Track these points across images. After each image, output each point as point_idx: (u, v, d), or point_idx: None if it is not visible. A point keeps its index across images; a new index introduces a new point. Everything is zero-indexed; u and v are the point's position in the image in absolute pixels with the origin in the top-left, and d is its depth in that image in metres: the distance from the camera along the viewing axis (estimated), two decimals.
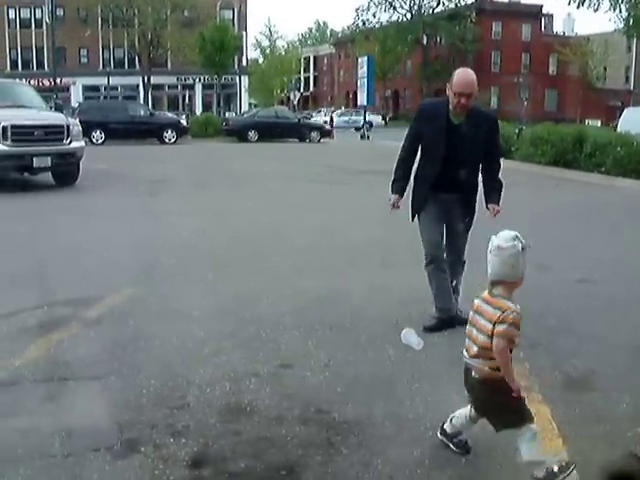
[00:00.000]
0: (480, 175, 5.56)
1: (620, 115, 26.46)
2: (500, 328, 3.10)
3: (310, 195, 14.29)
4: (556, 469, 3.14)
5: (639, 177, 17.52)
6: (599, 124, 36.28)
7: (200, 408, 4.00)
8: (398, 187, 5.56)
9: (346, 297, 6.44)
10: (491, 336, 3.12)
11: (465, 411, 3.52)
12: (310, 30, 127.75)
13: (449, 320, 5.46)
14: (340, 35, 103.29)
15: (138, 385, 4.29)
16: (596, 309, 6.08)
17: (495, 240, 3.19)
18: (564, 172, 19.42)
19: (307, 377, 4.54)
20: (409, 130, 5.63)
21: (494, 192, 5.46)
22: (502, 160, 5.79)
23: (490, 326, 3.13)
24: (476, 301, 3.29)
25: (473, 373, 3.26)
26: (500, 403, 3.21)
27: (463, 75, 5.19)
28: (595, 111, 60.08)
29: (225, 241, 9.14)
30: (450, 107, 5.25)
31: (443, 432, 3.59)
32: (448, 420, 3.58)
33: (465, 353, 3.31)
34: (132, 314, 5.76)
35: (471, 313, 3.32)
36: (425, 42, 73.18)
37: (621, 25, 31.52)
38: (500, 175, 5.54)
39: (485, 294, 3.25)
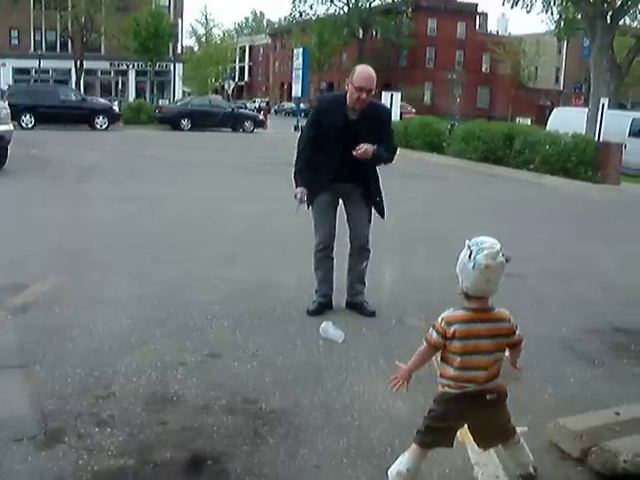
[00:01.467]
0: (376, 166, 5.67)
1: (550, 114, 27.12)
2: (520, 334, 3.08)
3: (243, 185, 14.21)
4: (532, 470, 3.22)
5: (566, 175, 18.01)
6: (529, 122, 36.99)
7: (126, 397, 3.95)
8: (302, 179, 5.59)
9: (275, 287, 6.46)
10: (509, 346, 3.07)
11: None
12: (247, 19, 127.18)
13: (329, 304, 5.78)
14: (276, 26, 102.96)
15: (63, 374, 4.21)
16: (522, 303, 6.20)
17: (481, 258, 2.89)
18: (494, 168, 19.82)
19: (235, 366, 4.54)
20: (308, 122, 5.70)
21: (380, 150, 5.41)
22: (398, 150, 5.85)
23: (502, 341, 3.03)
24: (464, 327, 2.97)
25: (488, 397, 3.02)
26: (509, 416, 3.15)
27: (365, 71, 5.32)
28: (526, 110, 61.24)
29: (155, 229, 9.04)
30: (348, 101, 5.34)
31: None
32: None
33: (468, 384, 2.99)
34: (58, 302, 5.65)
35: (471, 342, 2.97)
36: (361, 36, 73.41)
37: (552, 27, 32.14)
38: (393, 159, 5.67)
39: (464, 313, 3.00)
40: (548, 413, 3.89)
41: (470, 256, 2.93)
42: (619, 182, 17.93)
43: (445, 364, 3.04)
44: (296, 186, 5.60)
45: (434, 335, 3.01)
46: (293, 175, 5.64)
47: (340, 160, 5.40)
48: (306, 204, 5.60)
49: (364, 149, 5.25)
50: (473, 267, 2.91)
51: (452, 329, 2.95)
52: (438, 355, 3.09)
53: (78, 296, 5.89)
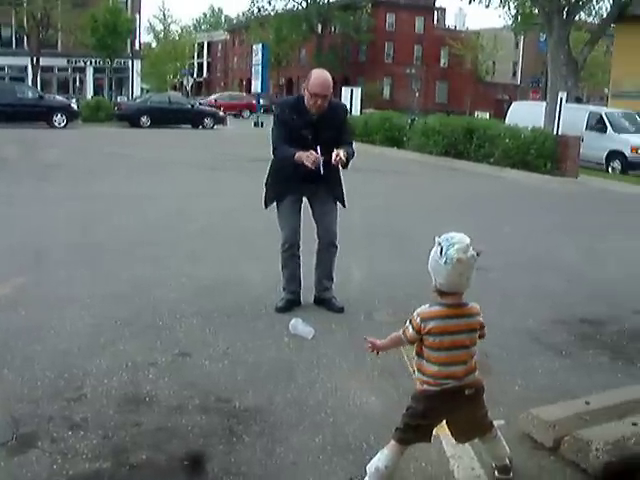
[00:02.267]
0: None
1: (508, 108, 27.41)
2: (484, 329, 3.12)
3: (204, 182, 14.12)
4: (508, 462, 3.26)
5: (526, 168, 18.24)
6: (488, 117, 37.38)
7: (98, 399, 3.91)
8: (291, 151, 5.32)
9: (242, 284, 6.44)
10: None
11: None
12: (205, 15, 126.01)
13: (297, 300, 5.80)
14: (235, 21, 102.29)
15: (33, 377, 4.15)
16: (488, 296, 6.25)
17: (453, 252, 2.91)
18: (455, 162, 19.99)
19: (206, 365, 4.52)
20: (276, 125, 5.56)
21: (344, 146, 5.41)
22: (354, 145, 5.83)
23: (476, 335, 3.08)
24: (440, 323, 2.99)
25: (467, 392, 3.04)
26: (486, 410, 3.17)
27: (319, 77, 5.31)
28: (484, 104, 61.82)
29: (118, 227, 8.93)
30: (306, 105, 5.35)
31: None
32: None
33: (449, 380, 3.01)
34: (23, 303, 5.56)
35: (446, 338, 3.00)
36: (320, 31, 73.39)
37: (510, 22, 32.47)
38: (354, 155, 5.61)
39: (440, 309, 3.02)
40: (519, 404, 3.95)
41: (441, 252, 2.95)
42: (577, 175, 18.22)
43: (423, 360, 3.06)
44: (289, 158, 5.31)
45: (410, 330, 3.04)
46: (282, 159, 5.49)
47: None
48: (264, 204, 5.69)
49: (340, 156, 5.24)
50: (445, 262, 2.92)
51: (428, 326, 2.97)
52: (408, 353, 3.11)
53: (42, 297, 5.80)
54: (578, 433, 3.42)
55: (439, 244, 2.97)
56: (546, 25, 22.47)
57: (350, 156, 5.46)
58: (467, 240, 2.97)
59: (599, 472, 3.25)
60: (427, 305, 3.05)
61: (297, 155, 5.25)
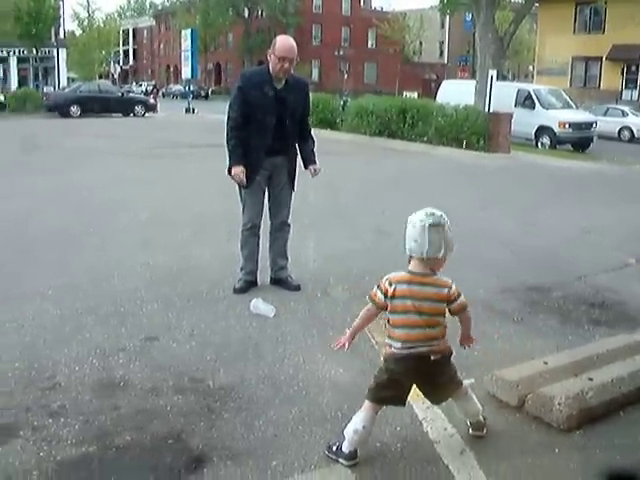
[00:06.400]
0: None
1: (437, 87, 27.83)
2: (462, 300, 3.22)
3: (145, 170, 13.98)
4: (482, 418, 3.46)
5: (460, 145, 18.62)
6: (416, 96, 37.85)
7: (72, 386, 3.95)
8: (238, 157, 5.52)
9: (197, 268, 6.51)
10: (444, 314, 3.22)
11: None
12: (129, 2, 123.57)
13: (255, 281, 5.92)
14: (160, 7, 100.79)
15: (2, 370, 4.15)
16: None
17: (412, 217, 3.17)
18: (390, 142, 20.25)
19: (174, 348, 4.59)
20: (235, 99, 5.60)
21: (311, 154, 5.88)
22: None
23: (441, 305, 3.18)
24: (404, 287, 3.16)
25: (432, 357, 3.17)
26: (454, 371, 3.33)
27: (286, 41, 5.47)
28: (412, 84, 62.45)
29: (66, 218, 8.82)
30: (272, 74, 5.46)
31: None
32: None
33: (412, 344, 3.16)
34: None
35: (407, 302, 3.15)
36: (247, 15, 72.94)
37: (436, 2, 32.92)
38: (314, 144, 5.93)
39: (405, 274, 3.19)
40: (481, 368, 4.15)
41: (413, 222, 3.16)
42: (509, 150, 18.70)
43: (389, 326, 3.22)
44: (232, 165, 5.54)
45: (378, 294, 3.21)
46: (229, 155, 5.59)
47: (272, 132, 5.51)
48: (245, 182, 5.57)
49: (316, 169, 5.81)
50: (414, 226, 3.16)
51: (393, 288, 3.16)
52: (377, 331, 3.26)
53: (0, 290, 5.77)
54: (540, 391, 3.65)
55: (410, 220, 3.19)
56: (473, 5, 22.83)
57: (315, 155, 5.87)
58: (429, 210, 3.19)
59: (562, 424, 3.48)
60: (397, 272, 3.22)
61: (234, 171, 5.50)
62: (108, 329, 4.88)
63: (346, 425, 3.28)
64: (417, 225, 3.13)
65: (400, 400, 3.29)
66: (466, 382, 3.46)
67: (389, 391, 3.23)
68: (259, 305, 5.35)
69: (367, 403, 3.25)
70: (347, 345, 3.36)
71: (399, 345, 3.18)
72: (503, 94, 21.10)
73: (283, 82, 5.50)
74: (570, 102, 24.43)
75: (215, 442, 3.37)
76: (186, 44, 37.39)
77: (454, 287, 3.20)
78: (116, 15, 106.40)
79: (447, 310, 3.23)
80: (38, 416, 3.59)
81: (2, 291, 5.76)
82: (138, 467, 3.18)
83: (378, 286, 3.21)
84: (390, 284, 3.17)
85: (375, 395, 3.24)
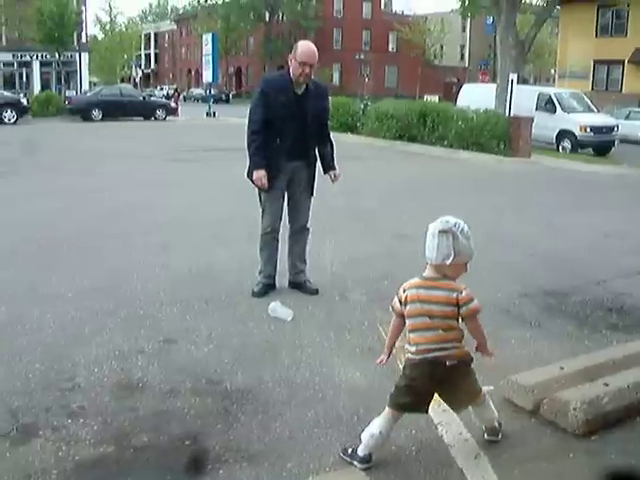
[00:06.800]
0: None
1: (458, 91, 27.77)
2: (472, 306, 3.20)
3: (165, 173, 14.10)
4: (497, 424, 3.47)
5: (480, 150, 18.58)
6: (437, 100, 37.79)
7: (92, 388, 4.00)
8: (260, 162, 5.57)
9: (216, 271, 6.56)
10: (457, 318, 3.20)
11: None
12: (151, 6, 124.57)
13: (273, 284, 5.95)
14: (182, 12, 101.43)
15: (22, 370, 4.21)
16: None
17: (435, 224, 3.21)
18: (410, 146, 20.26)
19: (192, 350, 4.63)
20: (256, 102, 5.63)
21: (331, 159, 5.94)
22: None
23: (452, 309, 3.17)
24: (414, 291, 3.21)
25: (448, 363, 3.19)
26: (474, 379, 3.35)
27: (308, 46, 5.53)
28: (433, 87, 62.46)
29: (86, 221, 8.91)
30: (293, 78, 5.51)
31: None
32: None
33: (427, 346, 3.19)
34: (1, 300, 5.57)
35: (417, 306, 3.20)
36: (267, 19, 73.21)
37: (457, 5, 32.84)
38: (333, 149, 5.97)
39: (416, 280, 3.24)
40: (498, 372, 4.14)
41: (429, 228, 3.23)
42: (530, 155, 18.62)
43: (408, 332, 3.25)
44: (253, 169, 5.58)
45: (397, 303, 3.27)
46: (250, 160, 5.64)
47: (293, 137, 5.55)
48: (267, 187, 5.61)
49: (336, 174, 5.87)
50: (428, 232, 3.22)
51: (405, 294, 3.23)
52: (386, 330, 3.33)
53: (19, 293, 5.82)
54: (556, 395, 3.65)
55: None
56: (494, 9, 22.77)
57: (334, 161, 5.94)
58: (445, 218, 3.24)
59: (578, 429, 3.48)
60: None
61: (256, 175, 5.55)
62: (127, 331, 4.94)
63: (363, 429, 3.31)
64: (429, 231, 3.20)
65: (420, 407, 3.31)
66: (485, 388, 3.47)
67: (408, 397, 3.24)
68: (277, 308, 5.38)
69: (387, 409, 3.28)
70: (385, 360, 3.44)
71: (414, 349, 3.21)
72: (524, 98, 21.00)
73: (303, 87, 5.56)
74: (591, 106, 24.27)
75: (231, 444, 3.41)
76: (207, 48, 37.54)
77: (465, 292, 3.19)
78: (138, 19, 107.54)
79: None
80: (58, 416, 3.65)
81: (24, 293, 5.84)
82: (155, 467, 3.22)
83: (397, 294, 3.27)
84: (403, 291, 3.24)
85: (394, 401, 3.27)
